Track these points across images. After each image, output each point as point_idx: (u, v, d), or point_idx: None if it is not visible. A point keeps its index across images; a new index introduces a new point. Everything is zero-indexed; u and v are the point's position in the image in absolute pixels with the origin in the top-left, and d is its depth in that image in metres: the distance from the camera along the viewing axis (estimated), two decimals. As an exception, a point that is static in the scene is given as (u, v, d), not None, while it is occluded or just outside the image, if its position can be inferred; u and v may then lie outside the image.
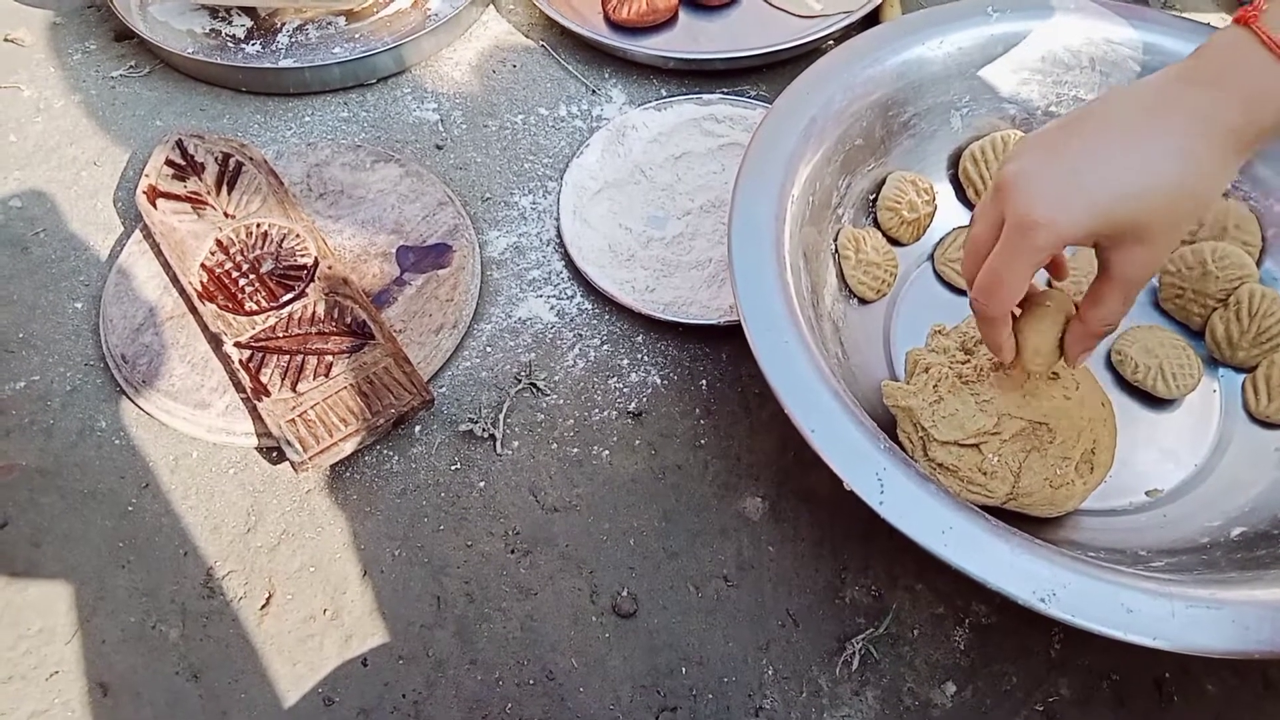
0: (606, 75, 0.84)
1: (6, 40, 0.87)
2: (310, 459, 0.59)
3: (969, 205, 0.72)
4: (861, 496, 0.46)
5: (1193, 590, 0.44)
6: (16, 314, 0.69)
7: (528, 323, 0.69)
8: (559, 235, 0.73)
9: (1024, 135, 0.70)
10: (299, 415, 0.60)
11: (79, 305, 0.70)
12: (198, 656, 0.57)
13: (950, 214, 0.72)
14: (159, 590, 0.59)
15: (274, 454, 0.63)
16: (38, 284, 0.71)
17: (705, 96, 0.80)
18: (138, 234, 0.71)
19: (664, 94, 0.82)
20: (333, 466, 0.63)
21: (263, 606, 0.58)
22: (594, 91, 0.83)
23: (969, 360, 0.57)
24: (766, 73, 0.84)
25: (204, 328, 0.66)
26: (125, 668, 0.56)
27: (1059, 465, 0.54)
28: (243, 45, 0.84)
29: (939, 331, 0.61)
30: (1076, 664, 0.57)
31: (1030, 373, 0.53)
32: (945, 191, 0.72)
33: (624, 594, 0.59)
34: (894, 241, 0.70)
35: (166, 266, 0.69)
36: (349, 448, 0.60)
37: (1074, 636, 0.57)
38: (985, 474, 0.53)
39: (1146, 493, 0.59)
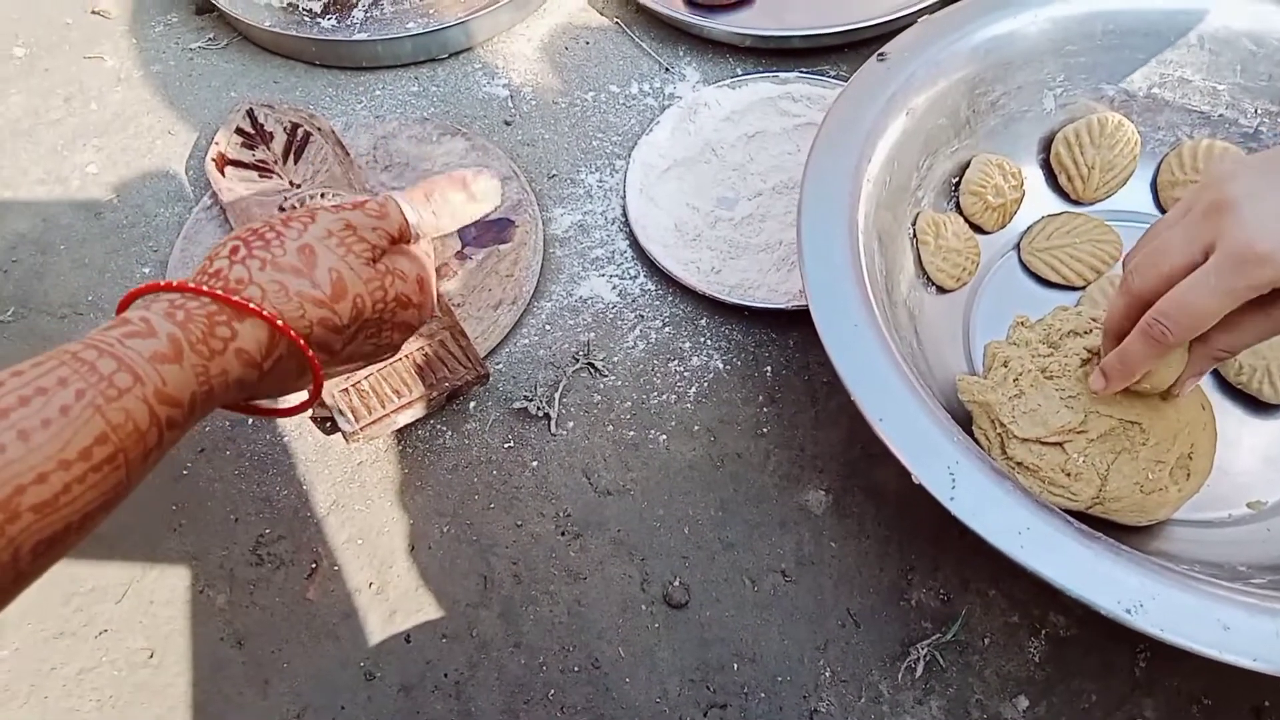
0: (681, 53, 0.82)
1: (93, 13, 0.88)
2: (362, 430, 0.58)
3: (1060, 192, 0.68)
4: (930, 491, 0.43)
5: (1300, 610, 0.40)
6: (87, 277, 0.70)
7: (588, 302, 0.68)
8: (624, 214, 0.71)
9: (1237, 151, 0.65)
10: (353, 385, 0.59)
11: (146, 270, 0.70)
12: (242, 623, 0.56)
13: (1039, 201, 0.68)
14: (208, 555, 0.58)
15: (327, 424, 0.62)
16: (109, 249, 0.72)
17: (782, 75, 0.77)
18: (206, 200, 0.71)
19: (739, 72, 0.80)
20: (385, 439, 0.62)
21: (308, 576, 0.57)
22: (667, 69, 0.81)
23: (1053, 354, 0.53)
24: (848, 52, 0.81)
25: (265, 295, 0.65)
26: (171, 630, 0.56)
27: (1151, 469, 0.50)
28: (318, 19, 0.84)
29: (1021, 323, 0.57)
30: (1164, 684, 0.52)
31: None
32: (1034, 176, 0.68)
33: (676, 584, 0.57)
34: (977, 228, 0.66)
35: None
36: (402, 420, 0.59)
37: (1162, 654, 0.53)
38: (1069, 475, 0.50)
39: (1248, 504, 0.55)
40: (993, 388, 0.52)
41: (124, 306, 0.42)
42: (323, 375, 0.44)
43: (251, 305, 0.40)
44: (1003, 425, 0.51)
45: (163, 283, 0.41)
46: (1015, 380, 0.52)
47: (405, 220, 0.49)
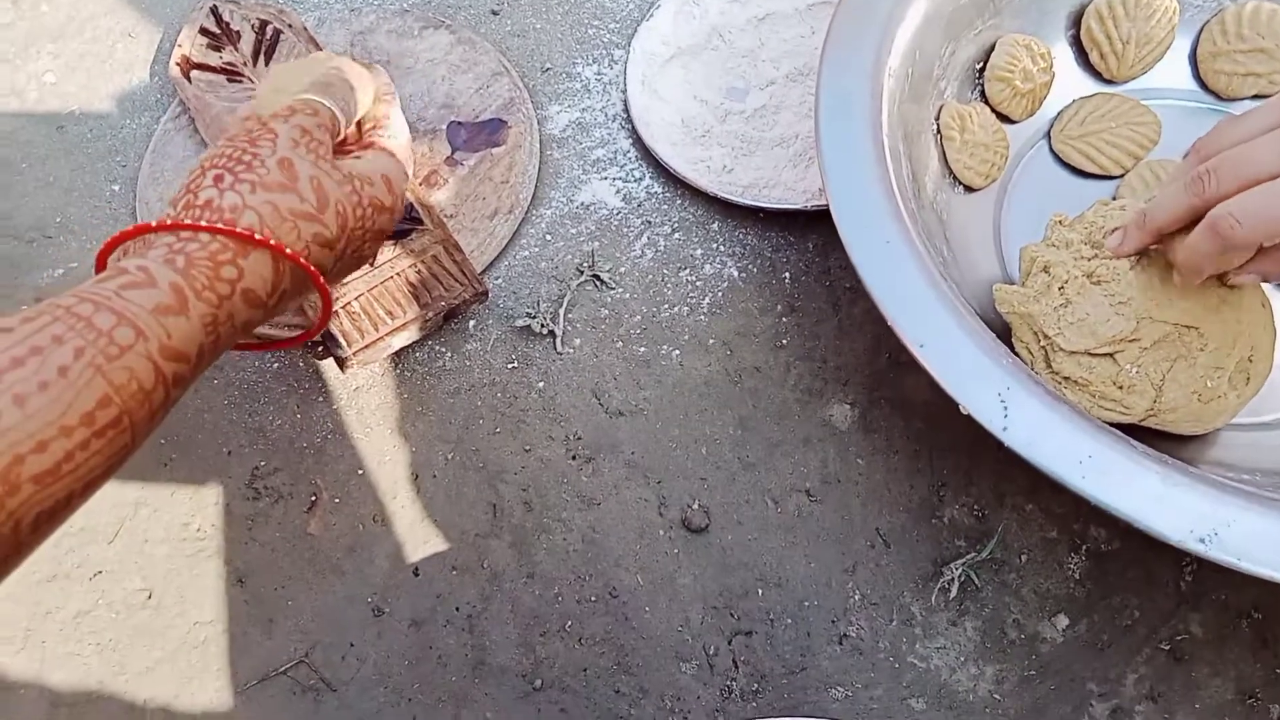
0: (682, -73, 0.75)
1: (39, -97, 0.81)
2: (355, 354, 0.54)
3: (1093, 71, 0.63)
4: (982, 423, 0.39)
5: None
6: (54, 197, 0.65)
7: (591, 208, 0.63)
8: (626, 110, 0.65)
9: None
10: (343, 307, 0.55)
11: (116, 188, 0.65)
12: (242, 560, 0.54)
13: (1070, 82, 0.62)
14: (201, 490, 0.55)
15: (319, 348, 0.58)
16: (74, 165, 0.66)
17: (794, -51, 0.70)
18: (174, 109, 0.65)
19: (747, -53, 0.72)
20: (381, 363, 0.58)
21: (308, 510, 0.55)
22: (668, -54, 0.73)
23: (1097, 256, 0.49)
24: (865, -80, 0.73)
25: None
26: (169, 569, 0.54)
27: (1210, 376, 0.46)
28: (284, -98, 0.77)
29: (1060, 222, 0.52)
30: (1211, 598, 0.50)
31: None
32: (1064, 56, 0.62)
33: (695, 507, 0.54)
34: (1004, 118, 0.61)
35: (204, 144, 0.64)
36: (397, 343, 0.55)
37: (1209, 566, 0.50)
38: (1121, 388, 0.46)
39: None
40: (1035, 297, 0.48)
41: (107, 252, 0.38)
42: (331, 303, 0.42)
43: (257, 237, 0.38)
44: (1047, 338, 0.47)
45: (154, 224, 0.37)
46: (1060, 289, 0.47)
47: (332, 112, 0.45)
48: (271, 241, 0.38)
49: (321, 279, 0.41)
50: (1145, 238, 0.45)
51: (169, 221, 0.37)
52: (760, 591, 0.52)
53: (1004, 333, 0.50)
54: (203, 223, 0.37)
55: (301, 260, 0.39)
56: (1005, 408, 0.39)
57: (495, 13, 0.71)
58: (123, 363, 0.33)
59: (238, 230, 0.37)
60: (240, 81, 0.64)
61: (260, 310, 0.39)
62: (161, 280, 0.35)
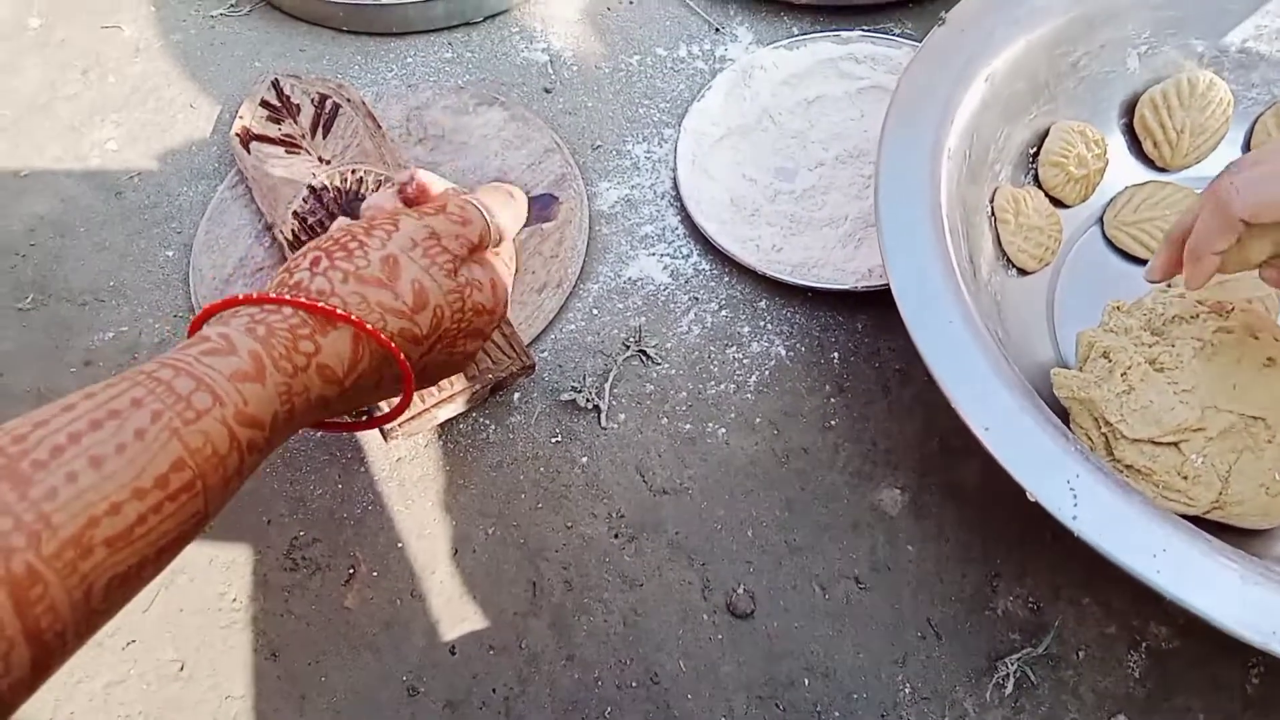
0: (732, 12, 0.76)
1: (110, -20, 0.84)
2: (401, 425, 0.54)
3: (1144, 159, 0.63)
4: (1051, 511, 0.38)
5: None
6: (108, 261, 0.66)
7: (638, 283, 0.63)
8: (675, 187, 0.66)
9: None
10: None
11: (170, 254, 0.66)
12: (277, 633, 0.53)
13: (1123, 170, 0.63)
14: (240, 560, 0.55)
15: (363, 418, 0.58)
16: (130, 230, 0.68)
17: (843, 34, 0.71)
18: (231, 178, 0.67)
19: (795, 32, 0.74)
20: (425, 434, 0.57)
21: (346, 582, 0.54)
22: (717, 30, 0.75)
23: (1159, 342, 0.48)
24: (913, 8, 0.75)
25: (294, 280, 0.61)
26: (202, 641, 0.53)
27: (1278, 468, 0.44)
28: (345, -18, 0.79)
29: (1118, 309, 0.52)
30: (1281, 704, 0.48)
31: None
32: (1116, 144, 0.63)
33: (740, 591, 0.52)
34: (1057, 202, 0.61)
35: (259, 214, 0.65)
36: (444, 415, 0.55)
37: (1278, 668, 0.48)
38: (1186, 478, 0.45)
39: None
40: (1096, 383, 0.47)
41: (199, 324, 0.39)
42: (413, 383, 0.42)
43: (339, 311, 0.38)
44: (1109, 424, 0.46)
45: (241, 296, 0.38)
46: (1123, 375, 0.46)
47: (487, 226, 0.46)
48: (353, 317, 0.38)
49: (402, 355, 0.41)
50: (1171, 251, 0.46)
51: (255, 295, 0.38)
52: (807, 681, 0.50)
53: (1061, 418, 0.49)
54: (287, 297, 0.38)
55: (381, 336, 0.39)
56: (1075, 495, 0.38)
57: (548, 90, 0.72)
58: (199, 427, 0.33)
59: (320, 305, 0.38)
60: (298, 154, 0.65)
61: (336, 387, 0.39)
62: (241, 347, 0.36)
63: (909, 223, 0.48)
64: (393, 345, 0.40)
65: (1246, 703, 0.48)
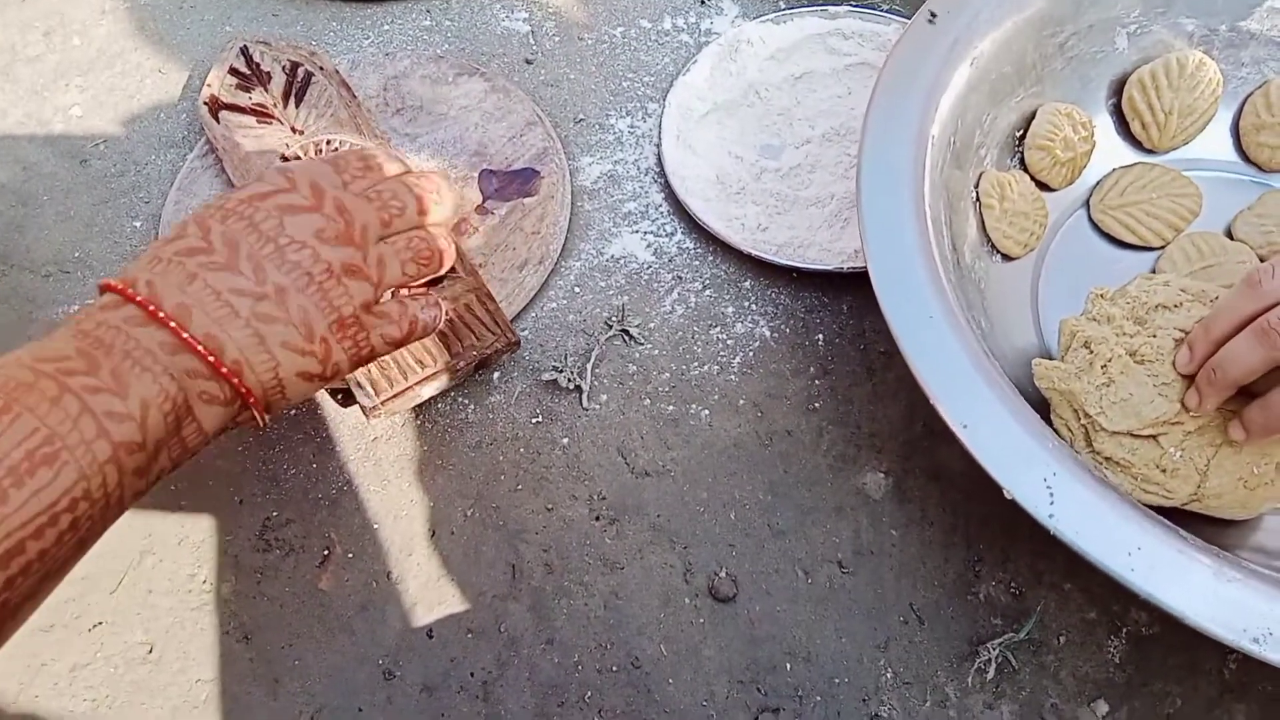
0: (717, -16, 0.75)
1: (74, -62, 0.81)
2: (383, 404, 0.52)
3: (1133, 142, 0.62)
4: (1027, 509, 0.38)
5: None
6: (74, 231, 0.64)
7: (621, 261, 0.62)
8: (659, 163, 0.64)
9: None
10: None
11: (138, 224, 0.64)
12: (249, 615, 0.52)
13: (1110, 152, 0.62)
14: (211, 540, 0.54)
15: (340, 396, 0.57)
16: (96, 199, 0.66)
17: (831, 9, 0.70)
18: (201, 147, 0.65)
19: (783, 5, 0.72)
20: (403, 413, 0.56)
21: (320, 564, 0.53)
22: (703, 2, 0.73)
23: (1140, 333, 0.48)
24: (901, -16, 0.74)
25: (267, 253, 0.60)
26: (172, 623, 0.52)
27: (1256, 462, 0.44)
28: (319, -54, 0.77)
29: (1101, 296, 0.51)
30: (1257, 688, 0.48)
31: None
32: (1104, 125, 0.62)
33: (722, 575, 0.52)
34: (1043, 186, 0.60)
35: (230, 185, 0.63)
36: (426, 392, 0.54)
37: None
38: (1165, 471, 0.44)
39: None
40: (1076, 374, 0.47)
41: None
42: (265, 418, 0.44)
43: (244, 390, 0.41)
44: (1088, 416, 0.46)
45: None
46: (1103, 367, 0.46)
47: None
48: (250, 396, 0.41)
49: (258, 409, 0.42)
50: (1207, 349, 0.44)
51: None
52: (789, 666, 0.50)
53: (1042, 407, 0.49)
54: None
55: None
56: (1051, 493, 0.38)
57: (529, 62, 0.70)
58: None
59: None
60: (270, 123, 0.63)
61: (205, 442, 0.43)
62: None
63: (890, 213, 0.47)
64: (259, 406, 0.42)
65: (1224, 687, 0.48)
